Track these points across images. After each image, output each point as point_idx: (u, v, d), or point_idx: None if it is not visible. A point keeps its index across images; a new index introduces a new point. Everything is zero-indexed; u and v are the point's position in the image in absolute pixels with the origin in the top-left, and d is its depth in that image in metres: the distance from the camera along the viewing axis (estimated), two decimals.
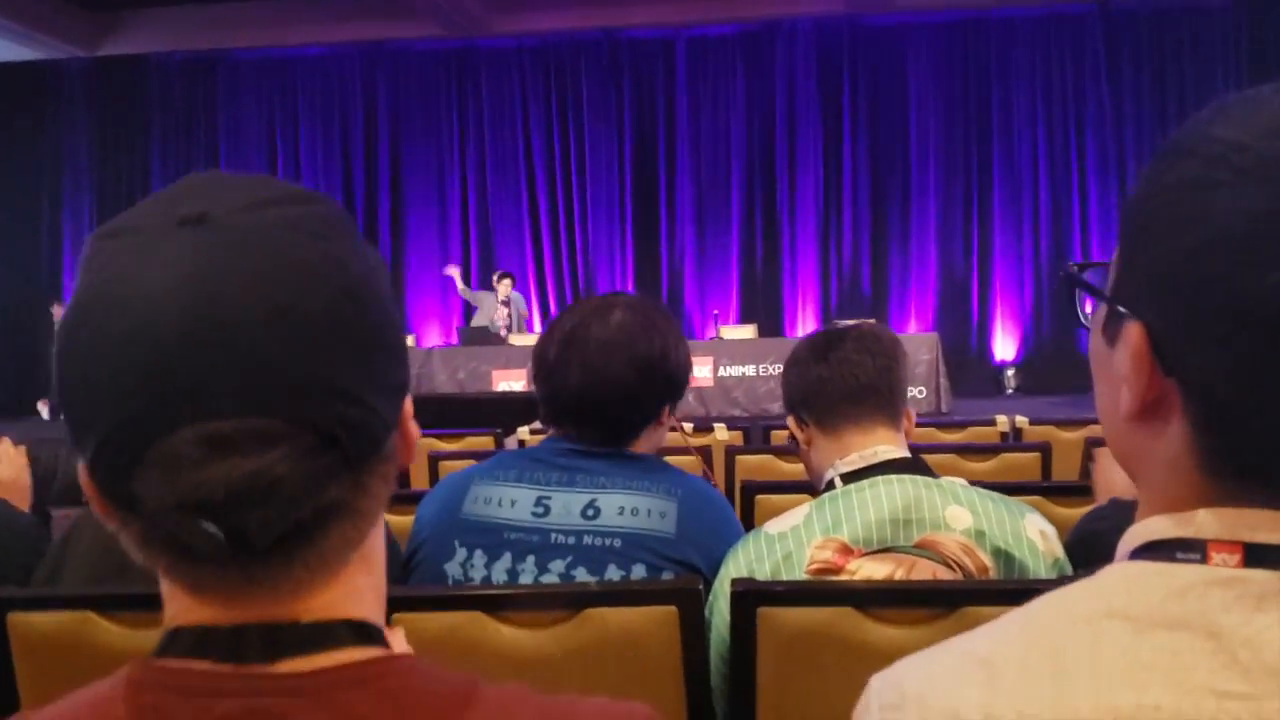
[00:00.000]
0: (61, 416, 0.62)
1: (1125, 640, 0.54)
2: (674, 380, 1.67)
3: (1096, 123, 12.01)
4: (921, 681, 0.60)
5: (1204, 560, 0.54)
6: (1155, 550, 0.57)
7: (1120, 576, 0.57)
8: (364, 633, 0.65)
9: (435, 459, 3.49)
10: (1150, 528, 0.58)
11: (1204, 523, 0.55)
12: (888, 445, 1.57)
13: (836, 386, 1.61)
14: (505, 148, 12.83)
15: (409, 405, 0.69)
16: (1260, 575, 0.53)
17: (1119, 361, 0.59)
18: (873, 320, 9.51)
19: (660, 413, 1.67)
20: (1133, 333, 0.58)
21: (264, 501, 0.57)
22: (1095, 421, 3.90)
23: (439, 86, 12.88)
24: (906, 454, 1.58)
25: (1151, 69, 11.86)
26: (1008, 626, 0.60)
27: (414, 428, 0.70)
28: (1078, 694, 0.53)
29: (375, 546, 0.69)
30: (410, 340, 10.97)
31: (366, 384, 0.61)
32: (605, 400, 1.59)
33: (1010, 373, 11.85)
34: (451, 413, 6.10)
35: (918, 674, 0.61)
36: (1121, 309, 0.60)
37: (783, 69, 12.40)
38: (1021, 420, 4.15)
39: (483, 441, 4.21)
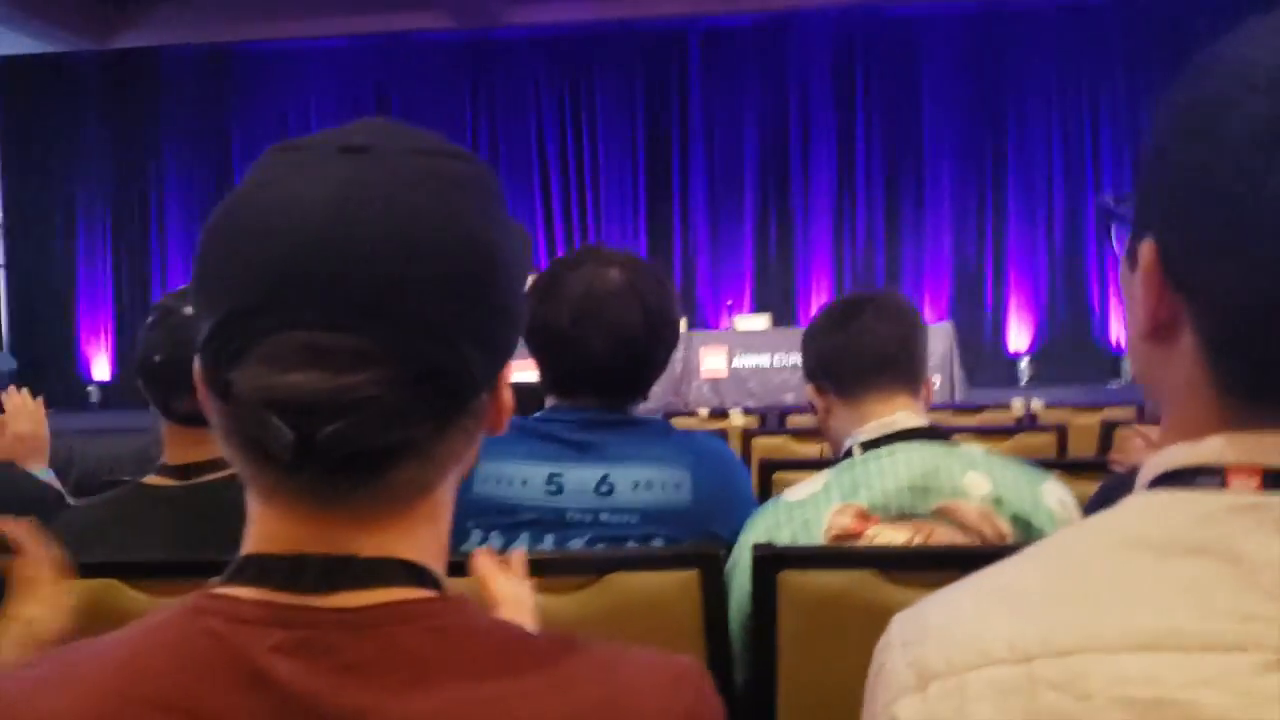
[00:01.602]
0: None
1: (1148, 567, 0.54)
2: (676, 329, 1.67)
3: (1112, 115, 11.94)
4: (944, 614, 0.60)
5: (1224, 486, 0.54)
6: (1175, 479, 0.57)
7: (1141, 505, 0.58)
8: (419, 575, 0.66)
9: None
10: (1170, 456, 0.58)
11: (1221, 448, 0.56)
12: (907, 413, 1.58)
13: (856, 355, 1.61)
14: (518, 139, 12.83)
15: (509, 371, 0.72)
16: None
17: (1135, 281, 0.60)
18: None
19: (665, 365, 1.66)
20: (1145, 250, 0.58)
21: (341, 416, 0.60)
22: (1110, 405, 3.92)
23: (452, 78, 12.88)
24: (925, 422, 1.58)
25: (1168, 61, 11.77)
26: (1031, 559, 0.61)
27: (509, 396, 0.72)
28: (1101, 621, 0.53)
29: (443, 501, 0.71)
30: None
31: (469, 336, 0.64)
32: (632, 360, 1.58)
33: (1025, 363, 11.81)
34: None
35: (940, 607, 0.61)
36: (1138, 229, 0.60)
37: (797, 60, 12.36)
38: (1037, 405, 4.16)
39: None
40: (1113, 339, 11.86)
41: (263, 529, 0.66)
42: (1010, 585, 0.58)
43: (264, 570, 0.64)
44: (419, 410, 0.63)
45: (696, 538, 1.51)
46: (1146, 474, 0.60)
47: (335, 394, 0.60)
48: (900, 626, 0.63)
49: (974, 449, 1.54)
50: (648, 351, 1.59)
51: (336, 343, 0.60)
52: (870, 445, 1.55)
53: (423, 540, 0.68)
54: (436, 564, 0.69)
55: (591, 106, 12.71)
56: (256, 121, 13.13)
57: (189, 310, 1.52)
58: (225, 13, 12.05)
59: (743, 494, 1.60)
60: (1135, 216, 0.62)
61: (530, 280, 1.64)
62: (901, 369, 1.61)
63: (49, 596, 1.21)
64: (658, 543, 1.50)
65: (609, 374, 1.59)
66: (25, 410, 2.11)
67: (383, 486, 0.64)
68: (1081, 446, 3.34)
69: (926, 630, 0.60)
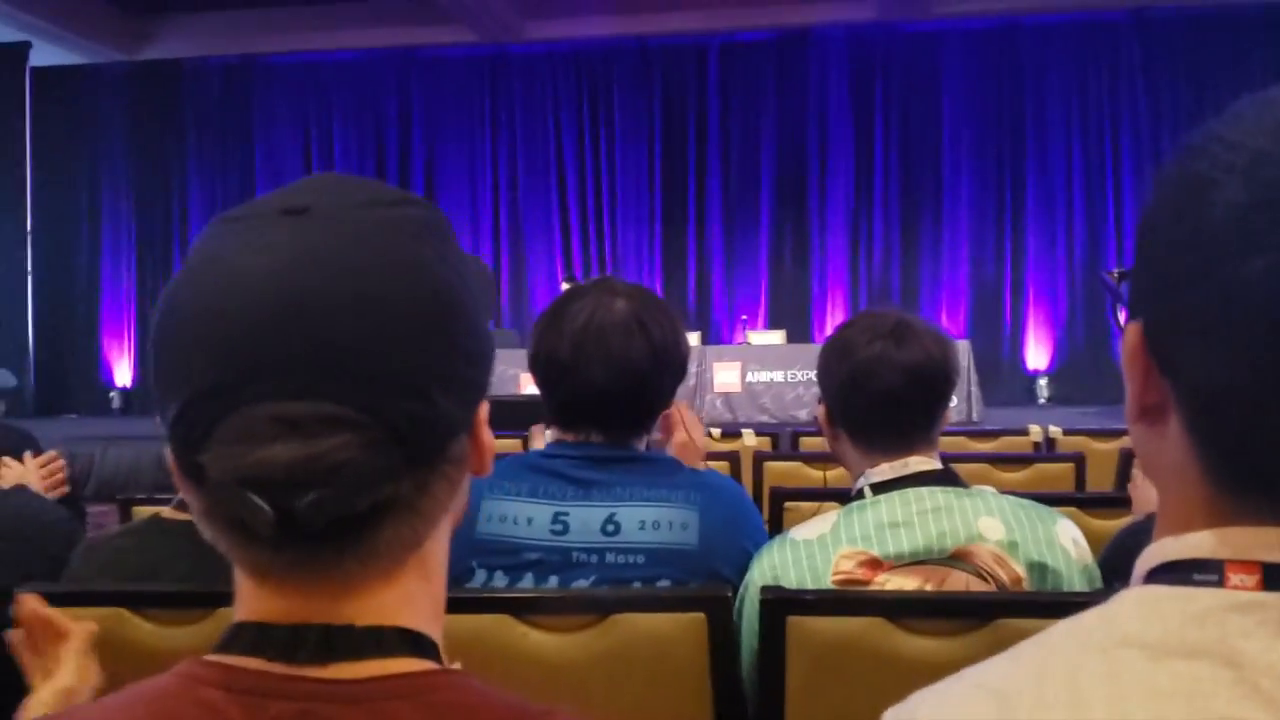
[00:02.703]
0: (153, 384, 0.65)
1: (1142, 669, 0.52)
2: (684, 363, 1.64)
3: (1132, 131, 11.88)
4: (934, 712, 0.59)
5: (1221, 582, 0.52)
6: (1171, 572, 0.55)
7: (1135, 602, 0.56)
8: (417, 644, 0.65)
9: None
10: (1165, 548, 0.57)
11: (1217, 542, 0.54)
12: (920, 457, 1.54)
13: (878, 416, 1.54)
14: (537, 153, 12.86)
15: (484, 411, 0.70)
16: None
17: (1124, 361, 0.59)
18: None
19: (672, 398, 1.65)
20: (1130, 331, 0.57)
21: (320, 484, 0.59)
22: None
23: (471, 92, 12.93)
24: (939, 465, 1.55)
25: (1187, 77, 11.72)
26: (1021, 656, 0.59)
27: (488, 436, 0.71)
28: None
29: (434, 554, 0.69)
30: None
31: (438, 384, 0.63)
32: (631, 391, 1.56)
33: (1043, 382, 11.74)
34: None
35: (930, 705, 0.60)
36: (1131, 307, 0.59)
37: (815, 76, 12.35)
38: (1055, 430, 4.11)
39: (510, 444, 4.21)
40: None
41: (256, 601, 0.65)
42: (1000, 684, 0.57)
43: (261, 640, 0.63)
44: (397, 466, 0.62)
45: (703, 579, 1.49)
46: (1142, 566, 0.58)
47: (310, 463, 0.59)
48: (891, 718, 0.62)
49: (988, 491, 1.51)
50: (651, 382, 1.57)
51: (305, 410, 0.59)
52: (881, 488, 1.52)
53: (418, 602, 0.67)
54: (433, 626, 0.68)
55: (610, 121, 12.73)
56: (279, 132, 13.23)
57: None
58: (249, 25, 12.16)
59: (753, 536, 1.57)
60: (1129, 294, 0.61)
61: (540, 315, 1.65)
62: (919, 431, 1.54)
63: (82, 668, 1.24)
64: (664, 584, 1.47)
65: (610, 404, 1.56)
66: (29, 477, 2.11)
67: (370, 548, 0.63)
68: (1100, 476, 3.30)
69: None
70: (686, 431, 1.90)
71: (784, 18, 11.78)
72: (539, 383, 1.64)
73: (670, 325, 1.61)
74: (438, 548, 0.69)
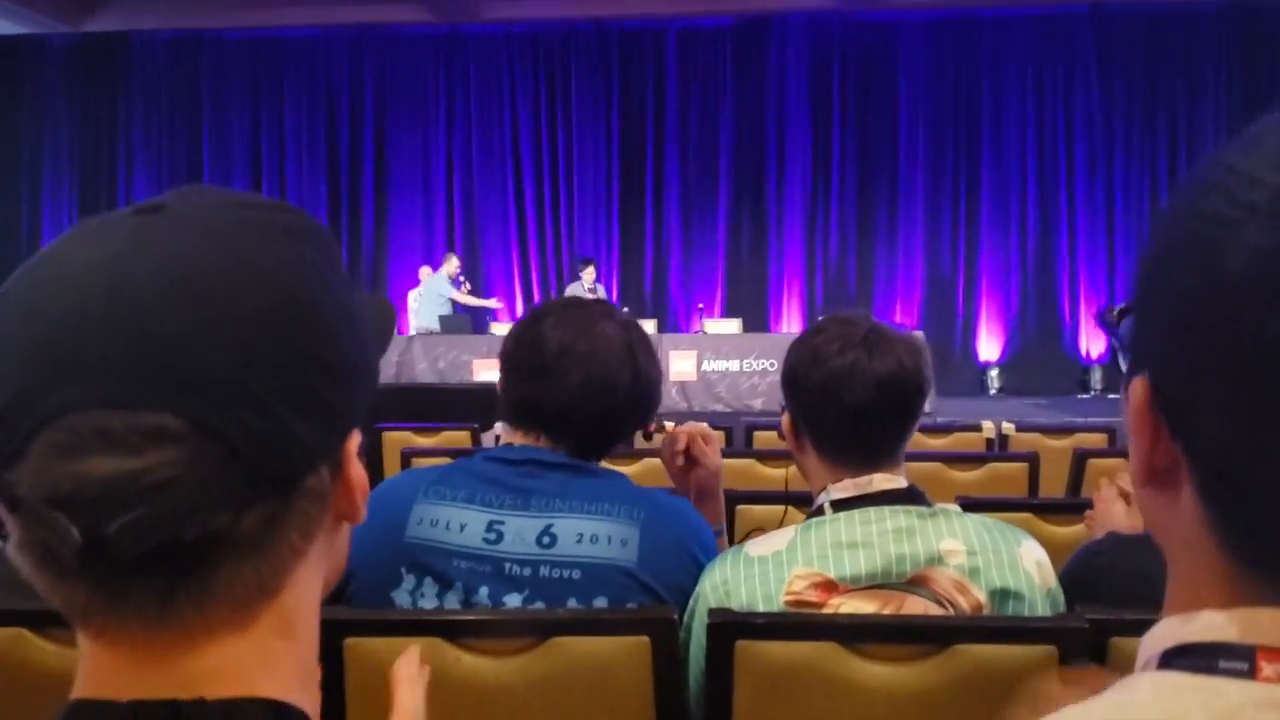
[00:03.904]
0: None
1: None
2: (654, 405, 1.60)
3: (1086, 124, 11.98)
4: None
5: (1252, 673, 0.46)
6: (1190, 656, 0.48)
7: (1152, 690, 0.48)
8: (283, 717, 0.56)
9: (408, 455, 3.40)
10: (1182, 628, 0.50)
11: (1245, 624, 0.47)
12: (885, 474, 1.47)
13: (849, 433, 1.46)
14: (492, 135, 12.72)
15: (354, 443, 0.61)
16: None
17: (1130, 419, 0.52)
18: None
19: (629, 435, 1.60)
20: (1136, 388, 0.50)
21: (136, 505, 0.50)
22: (1082, 430, 3.84)
23: (426, 72, 12.75)
24: (903, 484, 1.47)
25: (1142, 72, 11.84)
26: None
27: (359, 472, 0.61)
28: None
29: (299, 608, 0.60)
30: None
31: (286, 399, 0.54)
32: (600, 411, 1.50)
33: (994, 373, 11.84)
34: (428, 404, 5.99)
35: None
36: (1134, 358, 0.52)
37: (773, 63, 12.32)
38: (1008, 427, 4.09)
39: (459, 437, 4.12)
40: (1082, 351, 11.91)
41: (91, 668, 0.56)
42: None
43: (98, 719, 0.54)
44: (236, 493, 0.53)
45: (640, 599, 1.41)
46: (1156, 643, 0.51)
47: (128, 480, 0.50)
48: None
49: (951, 511, 1.43)
50: (620, 410, 1.52)
51: (128, 421, 0.51)
52: (843, 505, 1.44)
53: (279, 662, 0.58)
54: (303, 692, 0.59)
55: (567, 104, 12.61)
56: (228, 109, 12.98)
57: None
58: None
59: (697, 559, 1.50)
60: (1132, 343, 0.53)
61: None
62: (890, 448, 1.48)
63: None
64: (600, 601, 1.40)
65: (573, 416, 1.50)
66: None
67: (205, 590, 0.54)
68: (1053, 475, 3.28)
69: None
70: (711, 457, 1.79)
71: (744, 4, 11.72)
72: (507, 369, 1.57)
73: (655, 365, 1.59)
74: (303, 601, 0.60)
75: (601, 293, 10.53)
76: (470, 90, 12.73)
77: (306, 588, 0.60)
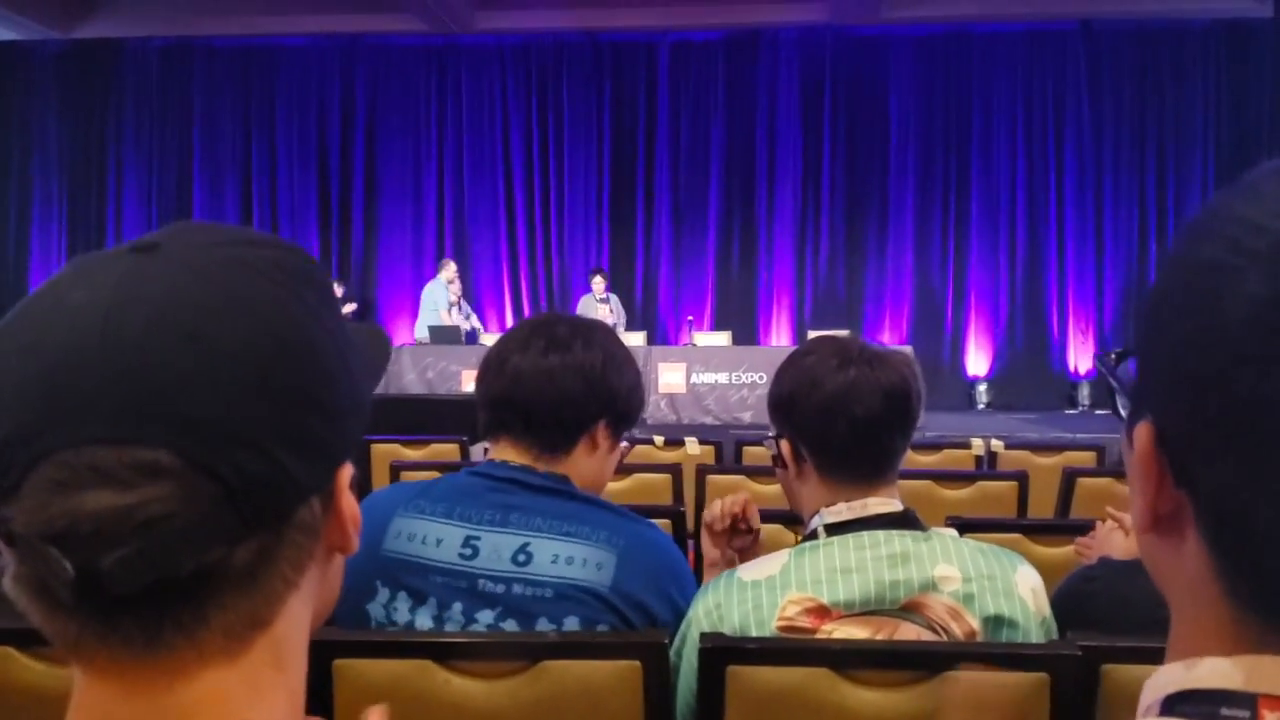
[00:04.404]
0: None
1: None
2: (613, 394, 1.58)
3: (1075, 140, 12.03)
4: None
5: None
6: (1194, 702, 0.48)
7: None
8: None
9: (397, 468, 3.39)
10: (1184, 674, 0.49)
11: (1248, 672, 0.47)
12: (880, 498, 1.46)
13: (850, 452, 1.46)
14: (483, 146, 12.71)
15: (345, 476, 0.61)
16: None
17: (1133, 465, 0.52)
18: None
19: (594, 426, 1.57)
20: (1140, 434, 0.50)
21: (129, 540, 0.51)
22: (1071, 448, 3.85)
23: (418, 82, 12.74)
24: (899, 507, 1.47)
25: (1132, 88, 11.90)
26: None
27: (350, 504, 0.62)
28: None
29: (289, 640, 0.60)
30: None
31: (279, 438, 0.55)
32: (549, 396, 1.52)
33: (983, 388, 11.86)
34: (416, 415, 5.97)
35: None
36: (1136, 403, 0.52)
37: (765, 77, 12.34)
38: (997, 444, 4.10)
39: (448, 449, 4.12)
40: (1070, 366, 11.94)
41: (84, 697, 0.56)
42: None
43: None
44: (230, 527, 0.53)
45: (610, 621, 1.41)
46: (1155, 691, 0.51)
47: (122, 515, 0.51)
48: None
49: (947, 536, 1.43)
50: (567, 396, 1.53)
51: (121, 457, 0.51)
52: (836, 529, 1.43)
53: (269, 693, 0.58)
54: None
55: (558, 116, 12.62)
56: (219, 118, 12.93)
57: None
58: (191, 7, 11.83)
59: (671, 596, 1.49)
60: (1133, 389, 0.53)
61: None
62: (887, 467, 1.48)
63: None
64: (571, 621, 1.39)
65: (525, 400, 1.52)
66: None
67: (204, 627, 0.54)
68: (1042, 493, 3.29)
69: None
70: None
71: (735, 17, 11.74)
72: (484, 371, 1.59)
73: (606, 356, 1.59)
74: (293, 634, 0.60)
75: (615, 303, 10.55)
76: (462, 100, 12.72)
77: (298, 619, 0.61)
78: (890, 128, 12.23)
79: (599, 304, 10.36)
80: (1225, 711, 0.47)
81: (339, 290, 11.11)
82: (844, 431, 1.44)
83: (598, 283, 10.46)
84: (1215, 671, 0.48)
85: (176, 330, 0.53)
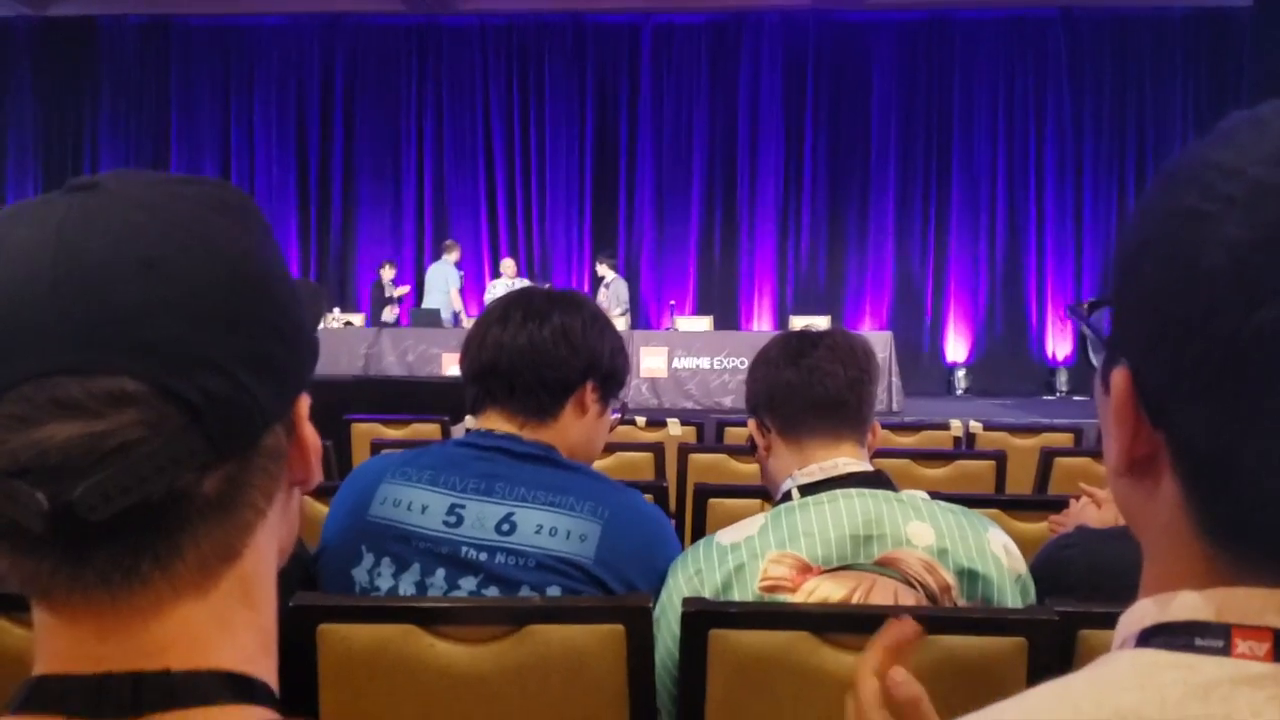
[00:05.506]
0: None
1: None
2: (595, 355, 1.60)
3: (1056, 128, 12.09)
4: None
5: (1227, 650, 0.47)
6: (1169, 634, 0.50)
7: (1130, 669, 0.49)
8: (246, 689, 0.57)
9: (378, 446, 3.38)
10: (1159, 608, 0.51)
11: (1220, 603, 0.48)
12: (850, 459, 1.50)
13: (804, 395, 1.53)
14: (464, 127, 12.65)
15: (304, 406, 0.63)
16: None
17: (1108, 410, 0.53)
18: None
19: (581, 388, 1.58)
20: (1118, 378, 0.51)
21: (100, 468, 0.51)
22: (1048, 429, 3.87)
23: (398, 62, 12.66)
24: (869, 467, 1.50)
25: (1112, 76, 11.96)
26: None
27: (312, 433, 0.63)
28: None
29: (258, 575, 0.61)
30: (359, 320, 10.77)
31: (240, 360, 0.55)
32: (532, 360, 1.54)
33: (961, 374, 11.93)
34: (396, 397, 5.96)
35: None
36: (1112, 350, 0.53)
37: (748, 61, 12.34)
38: (975, 425, 4.13)
39: (429, 429, 4.11)
40: (1049, 353, 12.02)
41: (54, 642, 0.56)
42: None
43: (62, 695, 0.54)
44: (200, 451, 0.53)
45: (591, 591, 1.41)
46: (1133, 623, 0.52)
47: (92, 441, 0.51)
48: None
49: (918, 496, 1.46)
50: (546, 356, 1.55)
51: (87, 386, 0.51)
52: (810, 489, 1.47)
53: (239, 631, 0.58)
54: (264, 666, 0.60)
55: (540, 97, 12.57)
56: (197, 98, 12.83)
57: None
58: None
59: (657, 554, 1.50)
60: (1110, 335, 0.54)
61: None
62: (849, 413, 1.53)
63: None
64: (553, 590, 1.40)
65: (508, 365, 1.54)
66: None
67: (174, 554, 0.55)
68: (1020, 473, 3.31)
69: None
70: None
71: (718, 1, 11.73)
72: (466, 347, 1.61)
73: (587, 319, 1.61)
74: (261, 569, 0.61)
75: (620, 290, 10.47)
76: (442, 82, 12.65)
77: (265, 553, 0.61)
78: (872, 113, 12.26)
79: (602, 289, 10.37)
80: (1199, 641, 0.48)
81: (390, 273, 11.11)
82: (794, 380, 1.53)
83: (602, 266, 10.50)
84: (1188, 605, 0.49)
85: (131, 259, 0.53)
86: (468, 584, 1.41)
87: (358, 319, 10.67)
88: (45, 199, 0.57)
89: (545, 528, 1.43)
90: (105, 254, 0.53)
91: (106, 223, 0.54)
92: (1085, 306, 0.60)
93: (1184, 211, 0.48)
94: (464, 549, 1.42)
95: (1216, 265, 0.45)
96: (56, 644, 0.56)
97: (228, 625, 0.58)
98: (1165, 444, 0.50)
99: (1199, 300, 0.46)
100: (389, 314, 10.64)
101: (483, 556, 1.41)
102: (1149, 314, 0.49)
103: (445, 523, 1.44)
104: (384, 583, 1.43)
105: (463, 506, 1.45)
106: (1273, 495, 0.46)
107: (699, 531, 2.36)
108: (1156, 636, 0.50)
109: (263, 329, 0.57)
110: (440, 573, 1.42)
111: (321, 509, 1.72)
